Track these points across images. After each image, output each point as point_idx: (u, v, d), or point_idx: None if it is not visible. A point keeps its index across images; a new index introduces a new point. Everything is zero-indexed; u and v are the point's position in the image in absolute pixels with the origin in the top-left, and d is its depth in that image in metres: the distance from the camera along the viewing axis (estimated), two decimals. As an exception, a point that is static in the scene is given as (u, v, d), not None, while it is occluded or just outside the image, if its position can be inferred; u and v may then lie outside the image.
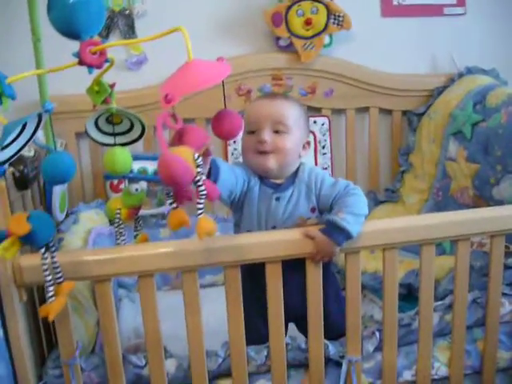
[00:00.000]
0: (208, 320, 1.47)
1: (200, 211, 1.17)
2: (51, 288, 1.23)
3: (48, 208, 1.71)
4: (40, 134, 1.63)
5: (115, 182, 2.26)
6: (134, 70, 2.38)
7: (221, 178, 1.37)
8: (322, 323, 1.49)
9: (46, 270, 1.22)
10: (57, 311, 1.23)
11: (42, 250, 1.21)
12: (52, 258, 1.23)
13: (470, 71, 2.45)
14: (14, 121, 1.08)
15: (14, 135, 1.11)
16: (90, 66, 1.14)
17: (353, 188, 1.49)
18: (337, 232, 1.39)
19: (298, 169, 1.55)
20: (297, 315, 1.55)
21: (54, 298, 1.23)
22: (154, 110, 2.27)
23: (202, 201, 1.18)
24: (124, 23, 2.30)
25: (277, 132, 1.49)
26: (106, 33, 2.28)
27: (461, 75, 2.45)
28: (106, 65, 1.21)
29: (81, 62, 1.14)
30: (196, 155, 1.16)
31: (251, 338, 1.50)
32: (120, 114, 1.36)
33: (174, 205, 1.22)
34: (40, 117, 1.16)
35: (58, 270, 1.25)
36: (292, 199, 1.52)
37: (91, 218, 2.04)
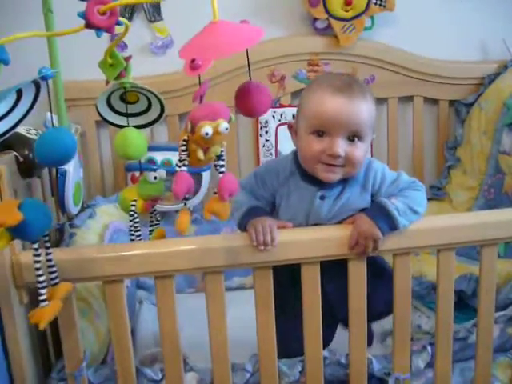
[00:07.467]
0: (235, 328, 1.34)
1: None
2: (44, 290, 1.09)
3: (60, 200, 1.59)
4: (53, 118, 1.51)
5: (137, 174, 2.11)
6: (158, 55, 2.26)
7: None
8: (366, 333, 1.35)
9: (39, 268, 1.08)
10: (50, 318, 1.08)
11: (35, 246, 1.06)
12: (47, 254, 1.09)
13: (525, 57, 2.29)
14: (3, 90, 0.92)
15: (7, 106, 0.95)
16: (99, 29, 0.98)
17: (419, 185, 1.35)
18: (382, 215, 1.26)
19: None
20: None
21: (47, 303, 1.09)
22: (180, 96, 2.18)
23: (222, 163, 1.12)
24: (149, 4, 2.17)
25: (350, 139, 1.29)
26: (129, 13, 2.15)
27: (515, 62, 2.30)
28: (118, 33, 1.06)
29: (88, 25, 0.98)
30: (221, 149, 1.10)
31: (284, 350, 1.37)
32: (135, 91, 1.20)
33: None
34: (38, 86, 0.99)
35: (54, 269, 1.11)
36: (341, 198, 1.35)
37: (109, 213, 1.92)
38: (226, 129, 1.05)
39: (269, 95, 1.17)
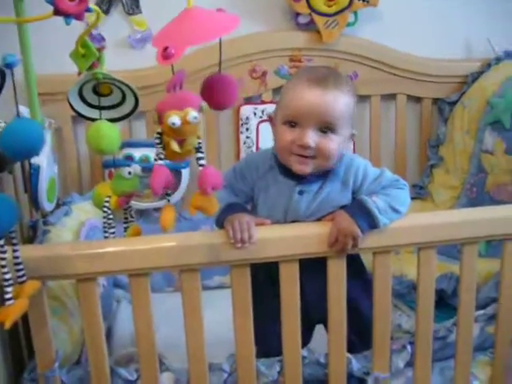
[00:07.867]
0: (213, 327, 1.32)
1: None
2: (10, 289, 1.04)
3: (33, 196, 1.55)
4: (25, 111, 1.46)
5: (114, 170, 2.07)
6: (137, 49, 2.19)
7: None
8: (345, 333, 1.33)
9: (5, 266, 1.03)
10: (15, 316, 1.04)
11: (1, 242, 1.01)
12: (14, 251, 1.04)
13: (509, 56, 2.25)
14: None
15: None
16: (67, 15, 0.94)
17: (402, 183, 1.33)
18: (362, 213, 1.23)
19: None
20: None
21: (13, 301, 1.04)
22: (159, 91, 2.08)
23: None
24: (126, -7, 2.11)
25: (323, 131, 1.27)
26: (107, 6, 2.09)
27: (498, 60, 2.25)
28: (89, 19, 1.03)
29: (56, 11, 0.94)
30: (199, 141, 1.07)
31: (262, 349, 1.35)
32: (108, 82, 1.16)
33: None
34: (3, 74, 0.95)
35: (20, 266, 1.06)
36: (320, 194, 1.32)
37: (85, 210, 1.84)
38: (195, 118, 0.99)
39: (234, 87, 1.12)
